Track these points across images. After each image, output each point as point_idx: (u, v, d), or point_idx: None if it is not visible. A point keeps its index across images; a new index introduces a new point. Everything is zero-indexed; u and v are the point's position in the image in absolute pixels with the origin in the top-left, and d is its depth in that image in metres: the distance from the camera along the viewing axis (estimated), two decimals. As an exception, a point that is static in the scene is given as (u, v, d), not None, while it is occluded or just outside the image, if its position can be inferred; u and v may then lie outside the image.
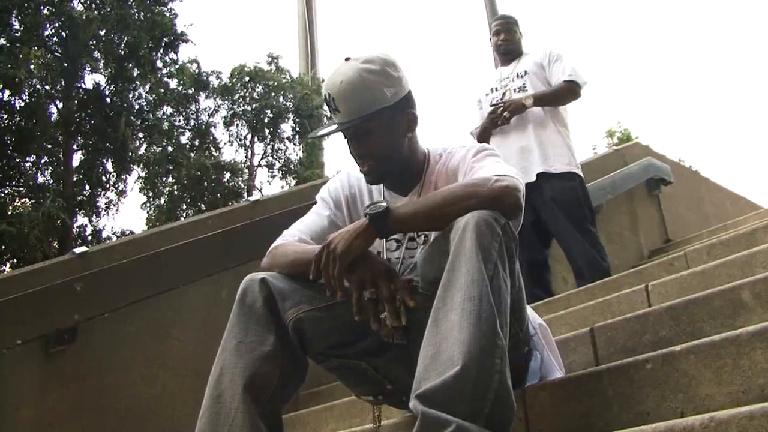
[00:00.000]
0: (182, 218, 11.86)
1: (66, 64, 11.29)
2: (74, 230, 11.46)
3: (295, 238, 1.89)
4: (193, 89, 13.51)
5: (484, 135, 4.10)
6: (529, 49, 4.30)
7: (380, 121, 1.81)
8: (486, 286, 1.42)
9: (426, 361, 1.39)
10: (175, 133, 13.47)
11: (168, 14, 12.48)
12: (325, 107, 1.89)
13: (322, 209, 1.99)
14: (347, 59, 1.82)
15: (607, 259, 3.85)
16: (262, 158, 14.03)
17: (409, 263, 1.83)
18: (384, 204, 1.66)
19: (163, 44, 12.50)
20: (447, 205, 1.60)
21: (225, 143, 14.01)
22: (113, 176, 12.46)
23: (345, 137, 1.88)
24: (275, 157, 13.99)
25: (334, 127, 1.83)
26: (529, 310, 1.83)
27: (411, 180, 1.92)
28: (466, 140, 4.39)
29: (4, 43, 10.47)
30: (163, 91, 12.82)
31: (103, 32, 11.64)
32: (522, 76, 4.12)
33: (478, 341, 1.35)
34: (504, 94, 4.13)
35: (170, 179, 13.14)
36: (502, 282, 1.47)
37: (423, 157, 1.94)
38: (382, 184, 1.96)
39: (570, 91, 4.01)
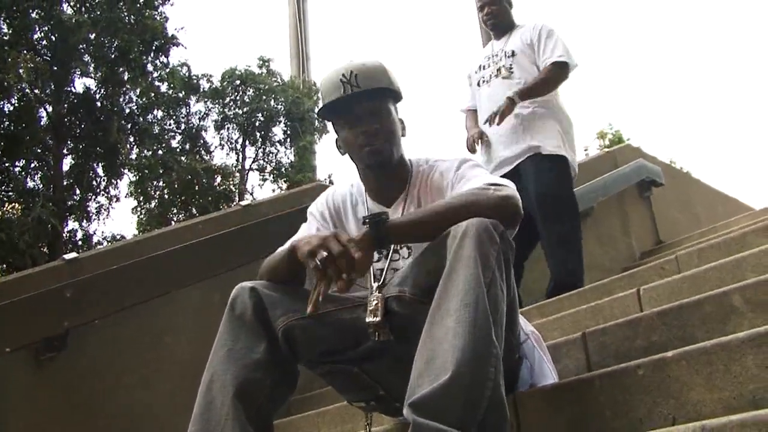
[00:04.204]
0: (173, 222, 11.84)
1: (56, 68, 11.27)
2: (65, 235, 11.42)
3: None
4: (183, 93, 13.51)
5: (472, 147, 3.98)
6: (523, 21, 4.04)
7: (393, 106, 1.94)
8: (483, 293, 1.41)
9: (420, 367, 1.39)
10: (166, 136, 13.47)
11: (158, 18, 12.49)
12: (336, 93, 1.87)
13: (312, 224, 2.02)
14: None
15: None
16: (253, 162, 14.05)
17: (392, 275, 1.81)
18: (383, 214, 1.66)
19: (153, 48, 12.50)
20: (447, 217, 1.60)
21: (216, 147, 14.03)
22: (104, 180, 12.45)
23: (355, 118, 1.89)
24: (266, 160, 14.02)
25: (355, 92, 1.84)
26: (520, 317, 1.83)
27: (395, 189, 1.95)
28: (454, 150, 4.33)
29: (-7, 46, 10.44)
30: (153, 94, 12.82)
31: (93, 36, 11.63)
32: (510, 56, 3.90)
33: (473, 348, 1.35)
34: (490, 74, 3.94)
35: (161, 183, 13.12)
36: (499, 290, 1.47)
37: (407, 167, 1.98)
38: (366, 195, 1.98)
39: (558, 75, 3.78)
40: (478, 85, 4.04)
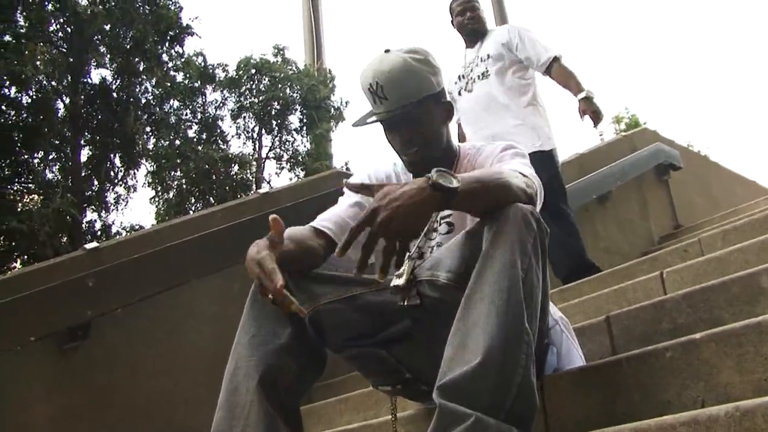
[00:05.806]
0: (191, 212, 11.87)
1: (72, 60, 11.31)
2: (84, 226, 11.49)
3: (310, 225, 1.87)
4: (199, 82, 13.50)
5: None
6: (492, 25, 4.15)
7: (427, 108, 1.84)
8: (518, 279, 1.40)
9: (452, 351, 1.38)
10: (183, 126, 13.48)
11: (173, 7, 12.48)
12: (365, 97, 1.86)
13: (351, 196, 1.94)
14: (387, 51, 1.84)
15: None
16: (270, 150, 14.03)
17: (427, 251, 1.79)
18: (454, 178, 1.46)
19: (168, 38, 12.51)
20: (502, 192, 1.52)
21: (233, 136, 14.00)
22: (122, 171, 12.50)
23: (388, 126, 1.87)
24: (283, 149, 13.99)
25: (384, 113, 1.81)
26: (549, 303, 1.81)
27: None
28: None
29: (10, 39, 10.49)
30: (169, 84, 12.81)
31: (108, 27, 11.65)
32: (484, 60, 4.01)
33: (504, 334, 1.34)
34: (467, 83, 4.06)
35: (179, 173, 13.14)
36: (534, 277, 1.45)
37: (454, 152, 1.95)
38: (411, 176, 1.92)
39: (564, 67, 3.90)
40: (459, 94, 4.13)
